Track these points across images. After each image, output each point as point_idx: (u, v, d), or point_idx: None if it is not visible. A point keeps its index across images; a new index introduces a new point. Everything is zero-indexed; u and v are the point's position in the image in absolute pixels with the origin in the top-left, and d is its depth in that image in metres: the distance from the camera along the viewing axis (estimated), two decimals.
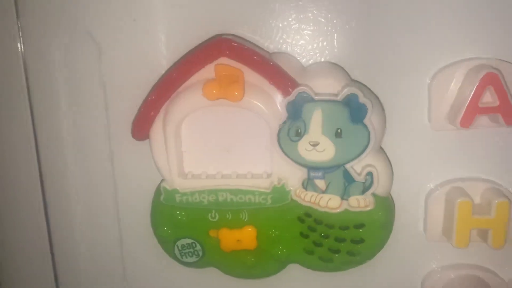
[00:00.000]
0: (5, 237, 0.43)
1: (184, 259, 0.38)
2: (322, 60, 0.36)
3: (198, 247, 0.37)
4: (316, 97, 0.33)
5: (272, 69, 0.33)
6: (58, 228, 0.42)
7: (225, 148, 0.36)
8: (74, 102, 0.39)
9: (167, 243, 0.38)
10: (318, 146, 0.33)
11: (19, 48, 0.38)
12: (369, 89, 0.35)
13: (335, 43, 0.36)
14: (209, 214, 0.36)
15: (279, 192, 0.35)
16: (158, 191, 0.37)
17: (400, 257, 0.40)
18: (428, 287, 0.41)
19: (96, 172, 0.39)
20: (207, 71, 0.34)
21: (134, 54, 0.37)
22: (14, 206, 0.42)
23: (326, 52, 0.36)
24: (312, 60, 0.36)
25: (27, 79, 0.39)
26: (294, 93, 0.33)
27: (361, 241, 0.36)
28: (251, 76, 0.33)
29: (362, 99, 0.32)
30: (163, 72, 0.36)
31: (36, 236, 0.42)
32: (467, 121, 0.35)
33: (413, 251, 0.40)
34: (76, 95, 0.39)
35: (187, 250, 0.37)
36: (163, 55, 0.36)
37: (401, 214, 0.38)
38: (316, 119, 0.33)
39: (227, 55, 0.33)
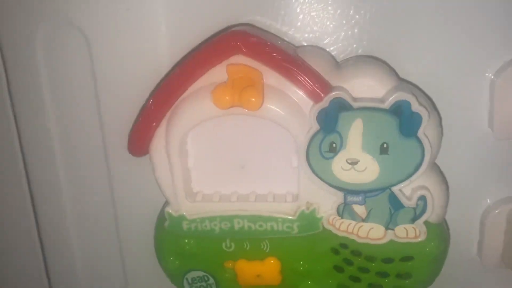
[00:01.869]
0: None
1: None
2: (361, 54, 0.29)
3: (211, 280, 0.32)
4: (356, 104, 0.26)
5: (299, 69, 0.26)
6: (56, 262, 0.37)
7: (240, 165, 0.30)
8: (63, 110, 0.33)
9: (176, 276, 0.32)
10: (358, 164, 0.27)
11: None
12: (421, 90, 0.28)
13: (377, 33, 0.29)
14: (224, 244, 0.30)
15: (308, 219, 0.29)
16: (161, 217, 0.31)
17: (452, 286, 0.34)
18: None
19: (93, 195, 0.34)
20: (218, 73, 0.27)
21: (129, 51, 0.30)
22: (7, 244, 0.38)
23: (365, 43, 0.29)
24: (347, 55, 0.29)
25: (8, 81, 0.33)
26: (327, 99, 0.26)
27: (409, 276, 0.30)
28: (272, 77, 0.27)
29: (415, 106, 0.25)
30: (164, 72, 0.30)
31: (33, 271, 0.37)
32: None
33: (467, 279, 0.34)
34: (65, 99, 0.33)
35: (198, 284, 0.32)
36: (164, 51, 0.30)
37: (455, 237, 0.32)
38: (355, 132, 0.26)
39: (242, 52, 0.26)
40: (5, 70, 0.33)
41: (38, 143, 0.34)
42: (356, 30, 0.29)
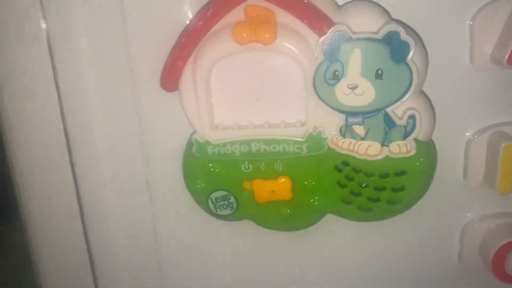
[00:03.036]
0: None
1: (219, 212, 0.37)
2: None
3: (232, 199, 0.36)
4: (354, 36, 0.30)
5: (306, 8, 0.31)
6: (87, 186, 0.41)
7: (256, 97, 0.35)
8: (99, 57, 0.37)
9: (201, 196, 0.37)
10: (357, 89, 0.31)
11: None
12: (410, 27, 0.33)
13: None
14: (242, 165, 0.35)
15: (315, 140, 0.34)
16: (189, 144, 0.36)
17: (439, 206, 0.39)
18: (468, 236, 0.40)
19: (125, 127, 0.38)
20: (236, 14, 0.32)
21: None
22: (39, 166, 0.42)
23: None
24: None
25: (48, 31, 0.37)
26: (330, 33, 0.31)
27: (402, 188, 0.34)
28: (283, 16, 0.31)
29: (404, 36, 0.30)
30: (188, 19, 0.34)
31: (64, 191, 0.41)
32: None
33: (453, 199, 0.39)
34: (99, 47, 0.37)
35: (221, 203, 0.37)
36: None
37: (441, 161, 0.37)
38: (354, 60, 0.31)
39: None
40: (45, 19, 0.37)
41: (76, 87, 0.38)
42: None
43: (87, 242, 0.43)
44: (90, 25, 0.36)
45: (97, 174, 0.40)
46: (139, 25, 0.36)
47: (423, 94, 0.34)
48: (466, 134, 0.37)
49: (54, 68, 0.38)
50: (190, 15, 0.34)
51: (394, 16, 0.34)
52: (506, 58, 0.33)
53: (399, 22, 0.32)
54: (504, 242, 0.38)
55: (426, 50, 0.33)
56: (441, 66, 0.35)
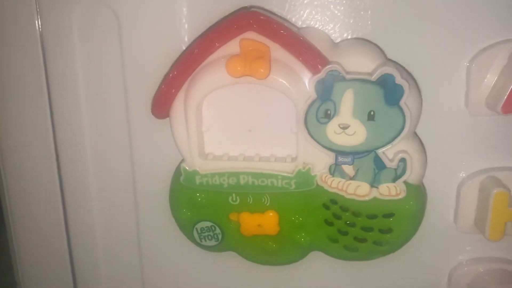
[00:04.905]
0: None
1: (204, 243, 0.36)
2: (355, 37, 0.33)
3: (218, 230, 0.36)
4: (348, 76, 0.30)
5: (301, 45, 0.31)
6: (73, 207, 0.41)
7: (247, 129, 0.34)
8: (92, 80, 0.37)
9: (186, 226, 0.36)
10: (348, 129, 0.31)
11: (37, 25, 0.37)
12: (405, 69, 0.33)
13: (369, 19, 0.33)
14: (230, 197, 0.35)
15: (304, 177, 0.33)
16: (177, 172, 0.35)
17: (428, 247, 0.38)
18: (456, 279, 0.40)
19: (114, 151, 0.38)
20: (232, 47, 0.31)
21: (154, 28, 0.35)
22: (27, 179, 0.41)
23: (359, 28, 0.33)
24: (343, 37, 0.34)
25: (44, 54, 0.37)
26: (323, 71, 0.30)
27: (390, 231, 0.34)
28: (278, 52, 0.31)
29: (398, 79, 0.30)
30: (184, 47, 0.34)
31: (51, 208, 0.41)
32: (510, 107, 0.32)
33: (442, 242, 0.38)
34: (95, 71, 0.37)
35: (206, 233, 0.36)
36: (185, 29, 0.34)
37: (432, 203, 0.36)
38: (347, 100, 0.31)
39: (253, 28, 0.31)
40: (42, 45, 0.37)
41: (69, 108, 0.38)
42: (352, 18, 0.33)
43: (72, 263, 0.43)
44: (87, 51, 0.36)
45: (85, 197, 0.40)
46: (135, 50, 0.36)
47: (415, 137, 0.33)
48: (459, 176, 0.37)
49: (48, 89, 0.38)
50: (187, 41, 0.34)
51: (390, 55, 0.34)
52: (501, 106, 0.32)
53: (395, 64, 0.32)
54: None
55: (420, 93, 0.33)
56: (436, 109, 0.34)
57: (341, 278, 0.39)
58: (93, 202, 0.40)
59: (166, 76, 0.34)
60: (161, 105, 0.34)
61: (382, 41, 0.33)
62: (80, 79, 0.37)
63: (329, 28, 0.34)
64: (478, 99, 0.34)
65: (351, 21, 0.33)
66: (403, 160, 0.32)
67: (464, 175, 0.37)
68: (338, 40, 0.34)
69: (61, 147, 0.39)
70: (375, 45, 0.33)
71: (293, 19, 0.34)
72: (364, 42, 0.33)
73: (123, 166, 0.38)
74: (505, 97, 0.32)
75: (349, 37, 0.33)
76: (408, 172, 0.32)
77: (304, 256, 0.37)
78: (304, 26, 0.34)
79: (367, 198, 0.33)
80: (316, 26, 0.34)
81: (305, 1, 0.33)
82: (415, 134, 0.33)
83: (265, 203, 0.35)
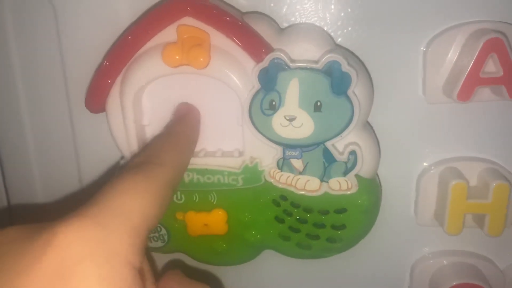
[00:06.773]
0: None
1: (149, 244, 0.34)
2: (303, 21, 0.31)
3: (164, 231, 0.34)
4: (293, 65, 0.28)
5: (243, 31, 0.29)
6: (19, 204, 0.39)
7: None
8: (30, 72, 0.35)
9: None
10: (295, 121, 0.29)
11: None
12: (355, 55, 0.31)
13: (319, 2, 0.31)
14: (175, 196, 0.32)
15: (251, 172, 0.31)
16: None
17: (388, 242, 0.37)
18: (418, 274, 0.38)
19: (59, 145, 0.36)
20: (169, 34, 0.29)
21: (92, 14, 0.32)
22: None
23: (308, 13, 0.31)
24: (290, 22, 0.31)
25: None
26: (267, 60, 0.28)
27: (343, 227, 0.32)
28: (218, 39, 0.29)
29: (345, 67, 0.28)
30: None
31: None
32: (465, 94, 0.31)
33: (402, 236, 0.37)
34: (32, 63, 0.34)
35: (152, 234, 0.34)
36: (123, 16, 0.32)
37: (390, 196, 0.35)
38: (292, 90, 0.28)
39: (190, 14, 0.28)
40: None
41: (6, 99, 0.36)
42: (300, 2, 0.31)
43: None
44: (22, 35, 0.34)
45: (30, 193, 0.38)
46: (73, 38, 0.33)
47: (367, 128, 0.31)
48: (418, 168, 0.35)
49: None
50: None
51: (340, 41, 0.32)
52: (456, 93, 0.31)
53: (344, 50, 0.30)
54: (455, 283, 0.36)
55: (371, 81, 0.31)
56: (391, 97, 0.33)
57: (297, 276, 0.37)
58: (39, 199, 0.37)
59: (99, 66, 0.31)
60: (95, 98, 0.31)
61: (331, 26, 0.31)
62: (18, 70, 0.35)
63: (276, 12, 0.31)
64: (436, 86, 0.33)
65: (298, 6, 0.31)
66: (353, 152, 0.30)
67: (423, 166, 0.35)
68: (285, 25, 0.31)
69: (3, 145, 0.37)
70: (324, 30, 0.31)
71: (237, 2, 0.31)
72: (313, 27, 0.31)
73: (68, 161, 0.36)
74: (461, 84, 0.31)
75: (297, 21, 0.31)
76: (359, 165, 0.30)
77: (256, 255, 0.35)
78: (248, 10, 0.31)
79: (317, 194, 0.31)
80: (262, 10, 0.32)
81: None
82: (367, 124, 0.32)
83: (212, 201, 0.32)
